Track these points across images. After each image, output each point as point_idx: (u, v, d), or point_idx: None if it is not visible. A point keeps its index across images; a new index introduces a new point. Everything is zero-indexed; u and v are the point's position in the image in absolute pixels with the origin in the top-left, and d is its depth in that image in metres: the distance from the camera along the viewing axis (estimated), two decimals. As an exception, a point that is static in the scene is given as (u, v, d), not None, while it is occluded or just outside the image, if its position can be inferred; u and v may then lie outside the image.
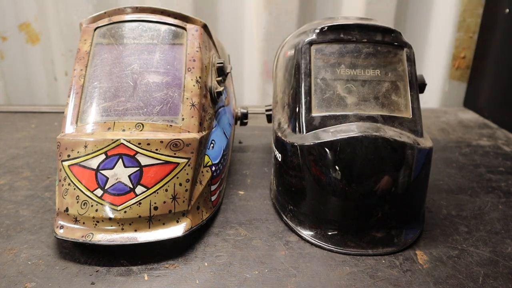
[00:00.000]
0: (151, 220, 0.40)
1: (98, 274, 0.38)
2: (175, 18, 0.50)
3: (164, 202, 0.41)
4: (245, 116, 0.65)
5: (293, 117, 0.46)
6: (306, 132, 0.43)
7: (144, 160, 0.41)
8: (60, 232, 0.40)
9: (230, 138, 0.57)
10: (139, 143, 0.41)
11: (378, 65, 0.45)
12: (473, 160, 0.66)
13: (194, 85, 0.46)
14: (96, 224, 0.40)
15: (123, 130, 0.43)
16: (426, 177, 0.45)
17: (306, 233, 0.44)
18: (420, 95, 0.47)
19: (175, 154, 0.42)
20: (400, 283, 0.37)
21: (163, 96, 0.45)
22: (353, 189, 0.41)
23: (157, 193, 0.40)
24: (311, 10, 0.97)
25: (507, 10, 0.83)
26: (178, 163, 0.42)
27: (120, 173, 0.40)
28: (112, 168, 0.40)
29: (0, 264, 0.39)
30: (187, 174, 0.42)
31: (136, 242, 0.39)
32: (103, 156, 0.41)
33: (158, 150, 0.41)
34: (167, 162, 0.41)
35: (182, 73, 0.46)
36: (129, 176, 0.40)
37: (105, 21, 0.49)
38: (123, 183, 0.40)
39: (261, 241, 0.43)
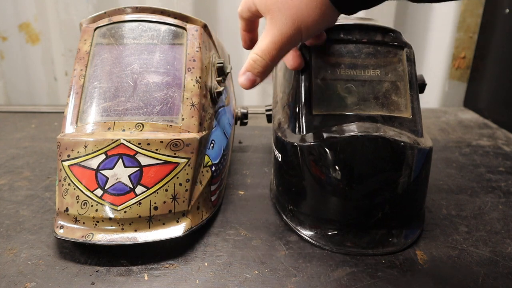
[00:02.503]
0: (151, 220, 0.40)
1: (98, 274, 0.38)
2: (175, 18, 0.50)
3: (164, 202, 0.41)
4: (245, 116, 0.65)
5: (293, 117, 0.46)
6: (306, 132, 0.43)
7: (144, 160, 0.41)
8: (60, 232, 0.40)
9: (230, 138, 0.57)
10: (139, 143, 0.41)
11: (378, 65, 0.45)
12: (473, 160, 0.66)
13: (194, 85, 0.46)
14: (96, 224, 0.40)
15: (123, 130, 0.43)
16: (426, 177, 0.45)
17: (306, 233, 0.44)
18: (420, 95, 0.47)
19: (175, 154, 0.42)
20: (400, 283, 0.37)
21: (163, 96, 0.45)
22: (353, 189, 0.41)
23: (157, 193, 0.40)
24: (311, 10, 0.97)
25: (507, 10, 0.83)
26: (178, 163, 0.42)
27: (120, 173, 0.40)
28: (112, 168, 0.40)
29: (0, 264, 0.39)
30: (187, 174, 0.42)
31: (136, 242, 0.39)
32: (103, 156, 0.41)
33: (158, 150, 0.41)
34: (167, 162, 0.41)
35: (182, 73, 0.46)
36: (129, 176, 0.40)
37: (105, 21, 0.49)
38: (123, 183, 0.40)
39: (261, 241, 0.43)
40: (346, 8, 0.34)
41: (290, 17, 0.34)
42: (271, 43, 0.35)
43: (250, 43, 0.43)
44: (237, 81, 0.39)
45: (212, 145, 0.48)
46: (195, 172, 0.43)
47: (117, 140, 0.41)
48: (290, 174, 0.45)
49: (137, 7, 0.49)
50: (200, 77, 0.47)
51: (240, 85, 0.38)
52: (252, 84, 0.37)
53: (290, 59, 0.43)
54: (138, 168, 0.40)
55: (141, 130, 0.43)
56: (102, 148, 0.41)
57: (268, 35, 0.35)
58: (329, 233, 0.43)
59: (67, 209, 0.40)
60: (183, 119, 0.44)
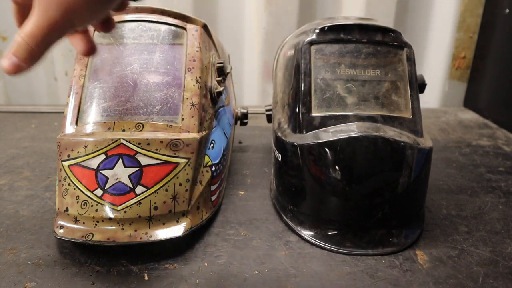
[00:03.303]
0: (151, 220, 0.40)
1: (98, 274, 0.38)
2: (175, 18, 0.50)
3: (164, 202, 0.41)
4: (245, 116, 0.65)
5: (293, 117, 0.46)
6: (306, 132, 0.44)
7: (144, 160, 0.41)
8: (60, 232, 0.40)
9: (230, 138, 0.57)
10: (139, 143, 0.41)
11: (378, 65, 0.45)
12: (473, 160, 0.66)
13: (194, 85, 0.46)
14: (96, 224, 0.40)
15: (123, 130, 0.43)
16: (426, 177, 0.45)
17: (306, 233, 0.44)
18: (420, 95, 0.47)
19: (175, 154, 0.42)
20: (400, 283, 0.37)
21: (163, 96, 0.45)
22: (353, 189, 0.41)
23: (157, 193, 0.40)
24: (311, 10, 0.97)
25: (507, 10, 0.83)
26: (178, 163, 0.42)
27: (120, 173, 0.40)
28: (112, 168, 0.40)
29: (0, 264, 0.39)
30: (187, 174, 0.42)
31: (136, 242, 0.39)
32: (103, 156, 0.41)
33: (158, 150, 0.41)
34: (167, 162, 0.41)
35: (182, 73, 0.46)
36: (129, 176, 0.40)
37: (105, 21, 0.49)
38: (123, 183, 0.40)
39: (261, 241, 0.43)
40: None
41: (56, 1, 0.31)
42: (36, 27, 0.32)
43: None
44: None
45: (212, 145, 0.48)
46: (195, 172, 0.43)
47: (117, 140, 0.41)
48: (290, 174, 0.45)
49: (137, 7, 0.49)
50: (200, 77, 0.47)
51: (2, 69, 0.32)
52: (17, 70, 0.32)
53: (79, 44, 0.38)
54: (138, 168, 0.40)
55: (141, 130, 0.43)
56: (102, 148, 0.41)
57: (34, 17, 0.32)
58: (329, 233, 0.43)
59: (67, 209, 0.40)
60: (183, 119, 0.44)
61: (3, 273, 0.38)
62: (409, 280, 0.38)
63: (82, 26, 0.34)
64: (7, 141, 0.73)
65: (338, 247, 0.42)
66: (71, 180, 0.41)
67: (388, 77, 0.45)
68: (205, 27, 0.51)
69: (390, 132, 0.41)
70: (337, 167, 0.41)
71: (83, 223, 0.40)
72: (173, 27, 0.49)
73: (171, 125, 0.43)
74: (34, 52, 0.33)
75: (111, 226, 0.40)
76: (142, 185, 0.40)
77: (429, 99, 1.02)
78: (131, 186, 0.40)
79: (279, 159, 0.47)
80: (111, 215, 0.39)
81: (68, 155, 0.42)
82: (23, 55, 0.32)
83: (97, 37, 0.48)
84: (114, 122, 0.43)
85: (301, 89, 0.45)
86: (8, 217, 0.48)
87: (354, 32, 0.46)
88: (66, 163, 0.42)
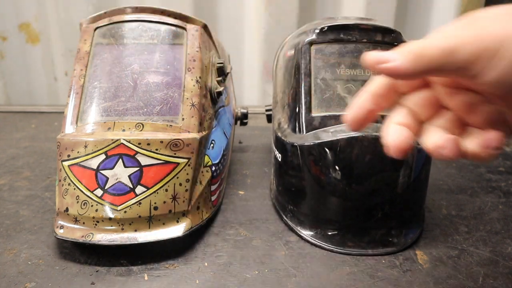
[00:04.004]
0: (151, 220, 0.40)
1: (98, 274, 0.38)
2: (175, 18, 0.50)
3: (164, 202, 0.41)
4: (245, 116, 0.65)
5: (293, 117, 0.46)
6: (306, 132, 0.44)
7: (144, 160, 0.41)
8: (60, 232, 0.40)
9: (230, 138, 0.57)
10: (139, 143, 0.41)
11: (378, 65, 0.45)
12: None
13: (194, 85, 0.46)
14: (96, 224, 0.40)
15: (123, 130, 0.43)
16: (426, 177, 0.45)
17: (306, 233, 0.44)
18: (420, 95, 0.47)
19: (175, 154, 0.42)
20: (400, 283, 0.37)
21: (163, 96, 0.45)
22: (353, 189, 0.41)
23: (157, 193, 0.40)
24: (311, 10, 0.97)
25: (507, 10, 0.83)
26: (178, 163, 0.42)
27: (120, 173, 0.40)
28: (112, 168, 0.40)
29: (0, 264, 0.39)
30: (187, 174, 0.42)
31: (136, 242, 0.39)
32: (103, 156, 0.41)
33: (158, 150, 0.41)
34: (167, 162, 0.41)
35: (182, 73, 0.46)
36: (129, 176, 0.40)
37: (105, 21, 0.49)
38: (123, 183, 0.40)
39: (261, 241, 0.43)
40: None
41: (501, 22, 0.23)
42: (450, 36, 0.25)
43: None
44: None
45: (212, 145, 0.48)
46: (195, 172, 0.43)
47: (117, 140, 0.41)
48: (290, 174, 0.45)
49: (137, 7, 0.49)
50: (200, 77, 0.47)
51: (367, 59, 0.26)
52: (394, 71, 0.26)
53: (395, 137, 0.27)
54: (138, 168, 0.40)
55: (141, 130, 0.43)
56: (102, 148, 0.41)
57: (451, 26, 0.26)
58: (329, 233, 0.43)
59: (67, 209, 0.40)
60: (183, 119, 0.44)
61: (3, 273, 0.38)
62: (409, 280, 0.38)
63: (477, 82, 0.24)
64: (7, 141, 0.73)
65: (338, 247, 0.42)
66: (71, 180, 0.41)
67: (388, 77, 0.45)
68: (205, 27, 0.51)
69: (390, 132, 0.41)
70: (337, 167, 0.41)
71: (83, 223, 0.40)
72: (173, 27, 0.49)
73: (171, 125, 0.43)
74: (421, 63, 0.26)
75: (111, 226, 0.40)
76: (142, 185, 0.40)
77: (429, 99, 1.02)
78: (131, 186, 0.40)
79: (279, 159, 0.47)
80: (111, 215, 0.39)
81: (68, 155, 0.42)
82: (410, 57, 0.27)
83: (97, 37, 0.48)
84: (114, 122, 0.43)
85: (301, 89, 0.45)
86: (8, 217, 0.48)
87: (354, 32, 0.46)
88: (66, 163, 0.42)
